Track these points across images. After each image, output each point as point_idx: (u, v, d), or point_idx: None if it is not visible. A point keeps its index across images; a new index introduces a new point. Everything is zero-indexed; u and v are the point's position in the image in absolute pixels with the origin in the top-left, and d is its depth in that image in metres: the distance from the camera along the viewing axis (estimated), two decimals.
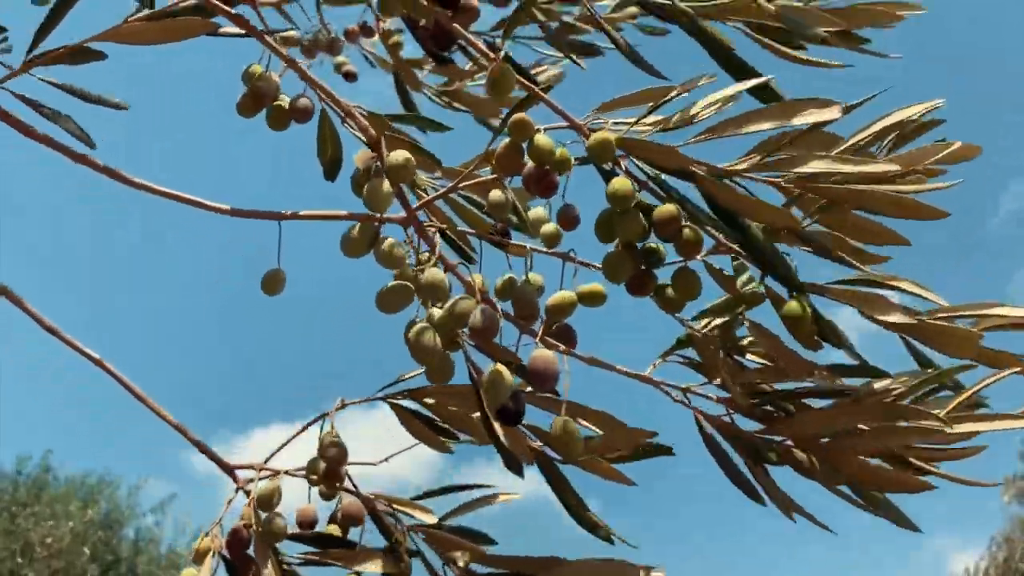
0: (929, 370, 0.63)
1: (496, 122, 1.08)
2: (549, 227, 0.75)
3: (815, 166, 0.53)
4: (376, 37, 1.09)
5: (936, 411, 0.58)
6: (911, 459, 0.59)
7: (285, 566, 0.69)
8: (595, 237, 0.66)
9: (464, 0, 0.74)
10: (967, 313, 0.62)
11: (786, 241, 0.62)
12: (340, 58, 1.21)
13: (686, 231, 0.62)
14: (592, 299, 0.68)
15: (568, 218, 0.72)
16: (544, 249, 0.74)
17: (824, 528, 0.62)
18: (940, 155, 0.54)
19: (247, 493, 0.73)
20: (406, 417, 0.73)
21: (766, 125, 0.56)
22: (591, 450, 0.67)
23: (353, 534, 0.74)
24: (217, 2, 0.68)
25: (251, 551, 0.69)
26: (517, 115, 0.62)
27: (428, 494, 0.78)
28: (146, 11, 0.68)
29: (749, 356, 0.67)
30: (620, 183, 0.61)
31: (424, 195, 0.78)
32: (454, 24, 0.70)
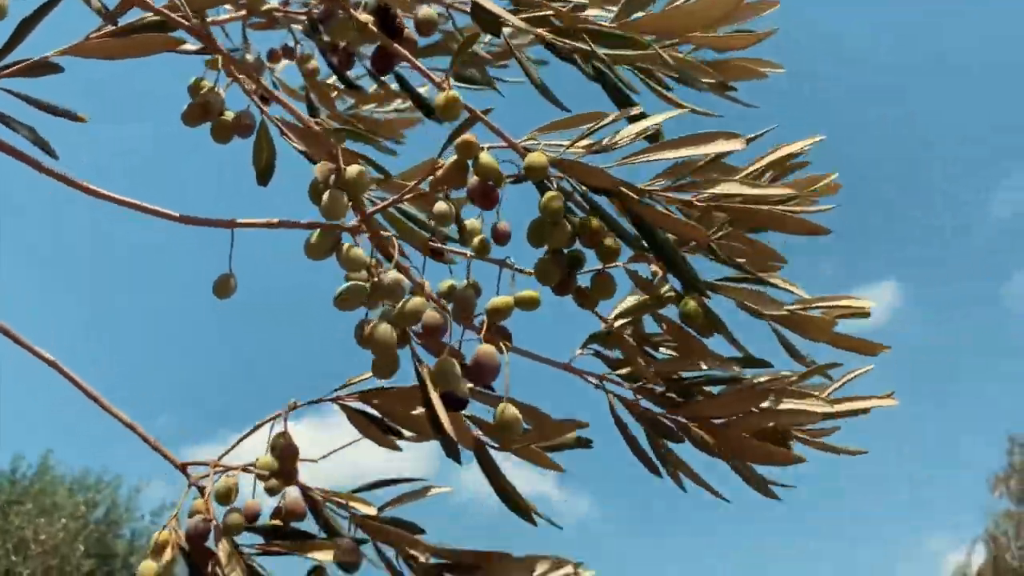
0: (791, 357, 0.76)
1: (390, 143, 1.16)
2: (478, 239, 0.84)
3: (725, 188, 0.64)
4: (289, 61, 1.14)
5: (817, 394, 0.70)
6: (803, 435, 0.72)
7: (243, 556, 0.74)
8: (521, 244, 0.75)
9: (406, 31, 0.81)
10: (823, 304, 0.76)
11: (690, 251, 0.73)
12: (286, 99, 1.25)
13: (607, 241, 0.72)
14: (528, 304, 0.77)
15: (502, 235, 0.80)
16: (481, 256, 0.82)
17: (719, 496, 0.73)
18: (817, 185, 0.67)
19: (200, 489, 0.77)
20: (354, 416, 0.80)
21: (680, 152, 0.67)
22: (524, 440, 0.76)
23: (302, 527, 0.80)
24: (179, 19, 0.73)
25: (210, 543, 0.74)
26: (464, 136, 0.70)
27: (362, 488, 0.84)
28: (109, 27, 0.72)
29: (660, 350, 0.78)
30: (552, 198, 0.71)
31: (363, 205, 0.84)
32: (398, 48, 0.78)
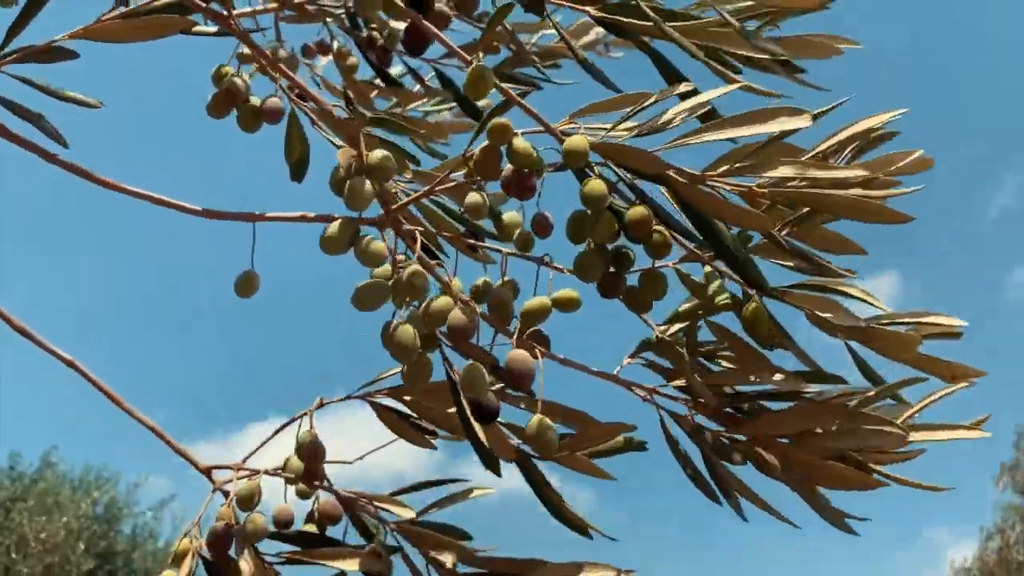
0: (866, 377, 0.67)
1: (438, 145, 1.10)
2: (521, 232, 0.77)
3: (785, 171, 0.56)
4: (330, 57, 1.10)
5: (892, 419, 0.61)
6: (862, 460, 0.62)
7: (267, 565, 0.69)
8: (564, 241, 0.68)
9: (437, 6, 0.75)
10: (907, 320, 0.66)
11: (753, 251, 0.65)
12: (303, 82, 1.21)
13: (656, 234, 0.64)
14: (566, 305, 0.70)
15: (542, 225, 0.73)
16: (518, 253, 0.75)
17: (788, 523, 0.65)
18: (901, 163, 0.57)
19: (225, 494, 0.73)
20: (386, 415, 0.74)
21: (739, 132, 0.58)
22: (567, 447, 0.68)
23: (334, 533, 0.75)
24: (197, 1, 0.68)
25: (232, 551, 0.69)
26: (497, 119, 0.64)
27: (403, 491, 0.78)
28: (121, 8, 0.68)
29: (716, 360, 0.70)
30: (595, 185, 0.63)
31: (395, 197, 0.79)
32: (429, 26, 0.71)
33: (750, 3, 0.65)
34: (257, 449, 0.75)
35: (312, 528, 0.75)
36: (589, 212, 0.64)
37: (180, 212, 0.76)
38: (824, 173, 0.55)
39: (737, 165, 0.59)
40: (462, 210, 0.74)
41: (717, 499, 0.67)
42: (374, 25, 0.83)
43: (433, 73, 0.94)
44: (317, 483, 0.74)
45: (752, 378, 0.65)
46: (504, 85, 1.04)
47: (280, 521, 0.72)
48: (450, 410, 0.74)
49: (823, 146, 0.59)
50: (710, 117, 0.62)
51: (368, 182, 0.65)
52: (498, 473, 0.70)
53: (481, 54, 0.64)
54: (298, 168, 0.85)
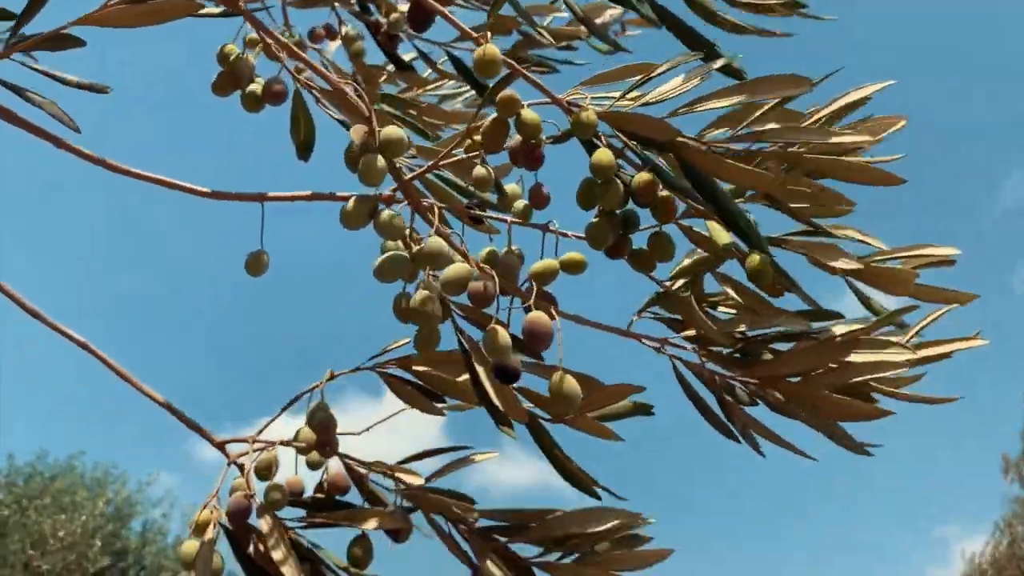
0: (869, 312, 0.71)
1: (444, 131, 1.11)
2: (520, 203, 0.79)
3: (792, 136, 0.59)
4: (338, 42, 1.10)
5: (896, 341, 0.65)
6: (881, 387, 0.67)
7: (286, 530, 0.71)
8: (563, 208, 0.71)
9: None
10: (902, 254, 0.71)
11: (751, 201, 0.68)
12: (314, 61, 1.21)
13: (662, 196, 0.67)
14: (573, 267, 0.73)
15: (540, 196, 0.76)
16: (522, 221, 0.78)
17: (802, 455, 0.69)
18: (894, 128, 0.61)
19: (240, 467, 0.74)
20: (395, 384, 0.76)
21: (740, 99, 0.62)
22: (577, 408, 0.71)
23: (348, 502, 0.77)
24: None
25: (252, 520, 0.71)
26: (504, 92, 0.66)
27: (409, 459, 0.81)
28: None
29: (720, 308, 0.73)
30: (603, 154, 0.66)
31: (400, 172, 0.81)
32: (432, 2, 0.73)
33: None
34: (270, 422, 0.77)
35: (321, 496, 0.77)
36: (598, 181, 0.67)
37: (188, 194, 0.77)
38: (824, 138, 0.59)
39: (739, 130, 0.62)
40: (468, 183, 0.77)
41: (735, 437, 0.70)
42: (382, 9, 0.85)
43: (446, 57, 0.96)
44: (328, 452, 0.76)
45: (759, 321, 0.69)
46: (520, 68, 1.07)
47: (293, 491, 0.74)
48: (459, 379, 0.77)
49: (821, 113, 0.63)
50: (734, 76, 0.65)
51: (381, 158, 0.67)
52: (511, 431, 0.73)
53: (489, 33, 0.66)
54: (304, 148, 0.86)
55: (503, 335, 0.65)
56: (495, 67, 0.66)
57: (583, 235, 0.71)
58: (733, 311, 0.72)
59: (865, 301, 0.70)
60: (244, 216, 0.79)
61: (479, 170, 0.72)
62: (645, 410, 0.75)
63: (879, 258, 0.68)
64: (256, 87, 0.79)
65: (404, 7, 0.70)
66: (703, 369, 0.71)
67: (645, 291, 0.78)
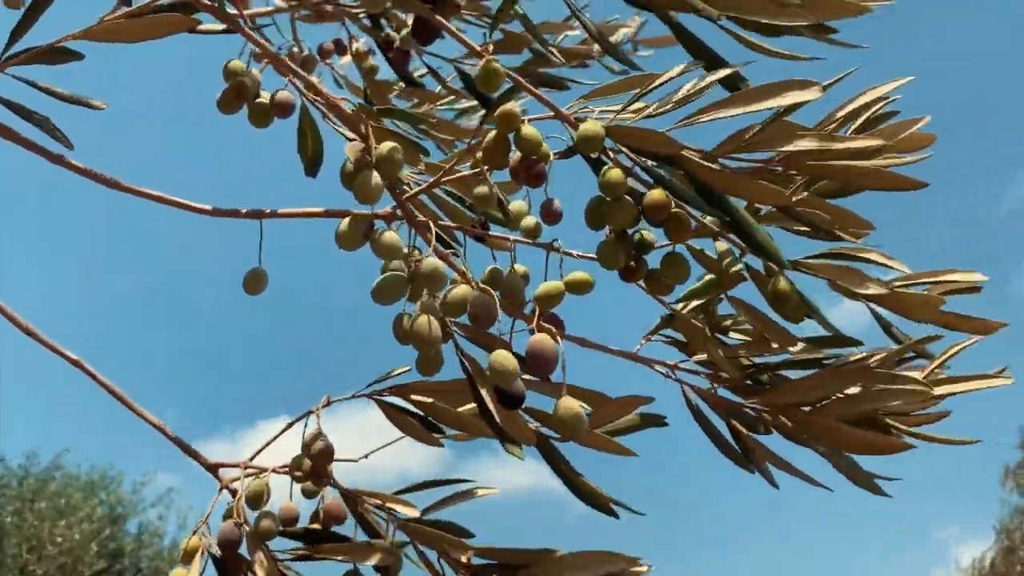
0: (891, 339, 0.67)
1: (458, 145, 1.10)
2: (530, 220, 0.77)
3: (802, 144, 0.56)
4: (348, 58, 1.09)
5: (914, 376, 0.61)
6: (887, 423, 0.62)
7: (277, 562, 0.69)
8: (572, 226, 0.68)
9: None
10: (927, 280, 0.66)
11: (769, 220, 0.65)
12: (312, 78, 1.21)
13: (675, 215, 0.64)
14: (579, 287, 0.70)
15: (551, 212, 0.73)
16: (527, 240, 0.75)
17: (818, 484, 0.65)
18: (911, 130, 0.57)
19: (232, 492, 0.72)
20: (393, 413, 0.73)
21: (748, 108, 0.58)
22: (584, 431, 0.68)
23: (341, 530, 0.74)
24: None
25: (242, 549, 0.69)
26: (504, 107, 0.64)
27: (407, 489, 0.78)
28: (124, 8, 0.67)
29: (731, 334, 0.70)
30: (612, 172, 0.63)
31: (407, 189, 0.79)
32: (437, 19, 0.71)
33: None
34: (264, 447, 0.75)
35: (315, 527, 0.75)
36: (608, 199, 0.64)
37: (188, 211, 0.76)
38: (833, 145, 0.55)
39: (749, 140, 0.59)
40: (470, 200, 0.74)
41: (749, 467, 0.67)
42: (394, 24, 0.83)
43: (455, 73, 0.94)
44: (324, 481, 0.73)
45: (772, 348, 0.65)
46: (529, 84, 1.05)
47: (285, 519, 0.72)
48: (459, 409, 0.74)
49: (833, 117, 0.59)
50: (736, 88, 0.62)
51: (377, 175, 0.65)
52: (520, 453, 0.70)
53: (491, 47, 0.64)
54: (312, 164, 0.84)
55: (508, 360, 0.62)
56: (496, 80, 0.64)
57: (590, 254, 0.69)
58: (746, 337, 0.68)
59: (887, 328, 0.66)
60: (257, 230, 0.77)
61: (480, 187, 0.70)
62: (657, 421, 0.72)
63: (903, 283, 0.64)
64: (262, 100, 0.77)
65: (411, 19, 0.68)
66: (714, 396, 0.67)
67: (660, 309, 0.75)
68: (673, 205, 0.63)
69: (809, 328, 0.67)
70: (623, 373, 0.75)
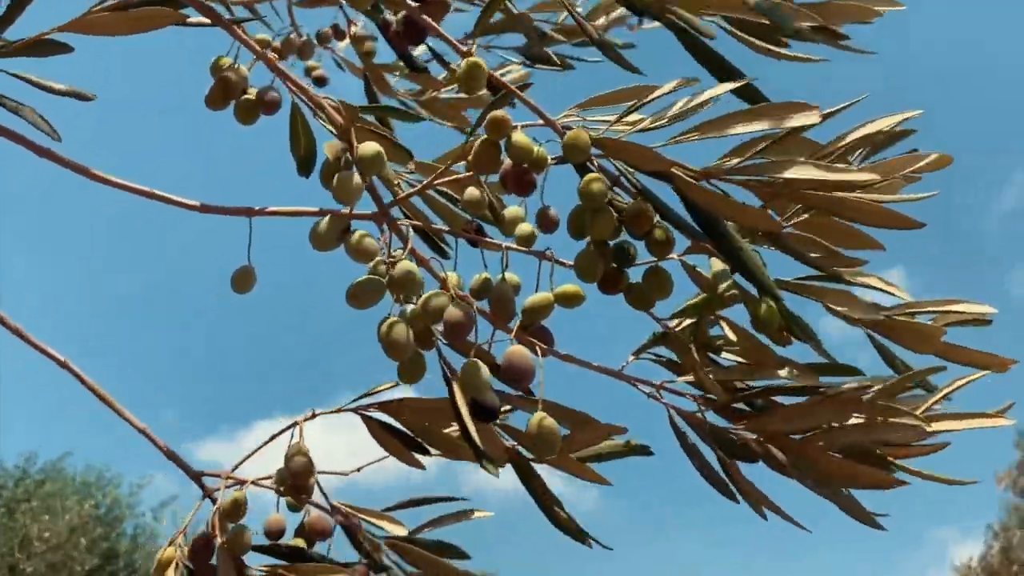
0: (891, 368, 0.64)
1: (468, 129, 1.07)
2: (524, 227, 0.74)
3: (798, 172, 0.53)
4: (347, 41, 1.07)
5: (910, 410, 0.58)
6: (882, 455, 0.60)
7: None
8: (569, 236, 0.66)
9: None
10: (930, 309, 0.63)
11: (759, 243, 0.62)
12: (311, 62, 1.19)
13: (657, 231, 0.62)
14: (569, 300, 0.68)
15: (547, 220, 0.71)
16: (518, 247, 0.73)
17: (799, 527, 0.63)
18: (916, 166, 0.54)
19: (214, 501, 0.71)
20: (377, 431, 0.72)
21: (745, 127, 0.56)
22: (560, 449, 0.66)
23: (322, 547, 0.73)
24: None
25: (215, 562, 0.68)
26: (494, 112, 0.61)
27: (398, 506, 0.77)
28: (111, 1, 0.66)
29: (723, 354, 0.67)
30: (592, 180, 0.61)
31: (397, 189, 0.77)
32: (424, 18, 0.69)
33: None
34: (247, 457, 0.74)
35: (301, 542, 0.74)
36: (588, 208, 0.62)
37: (176, 207, 0.75)
38: (837, 176, 0.52)
39: (744, 163, 0.56)
40: (460, 204, 0.72)
41: (734, 498, 0.65)
42: (392, 9, 0.81)
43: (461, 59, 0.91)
44: (304, 497, 0.72)
45: (764, 371, 0.63)
46: (525, 65, 1.03)
47: (270, 531, 0.71)
48: (446, 429, 0.73)
49: (835, 145, 0.56)
50: (753, 100, 0.59)
51: (357, 175, 0.63)
52: (496, 474, 0.68)
53: (475, 46, 0.62)
54: (305, 163, 0.83)
55: (477, 368, 0.60)
56: (480, 81, 0.62)
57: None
58: (738, 359, 0.66)
59: (889, 358, 0.63)
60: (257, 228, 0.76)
61: (471, 191, 0.68)
62: (642, 451, 0.70)
63: (904, 312, 0.61)
64: (249, 97, 0.76)
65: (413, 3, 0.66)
66: (700, 420, 0.65)
67: (655, 324, 0.73)
68: (656, 219, 0.60)
69: (806, 351, 0.65)
70: (614, 389, 0.73)
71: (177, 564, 0.67)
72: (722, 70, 0.65)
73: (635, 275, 0.65)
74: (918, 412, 0.59)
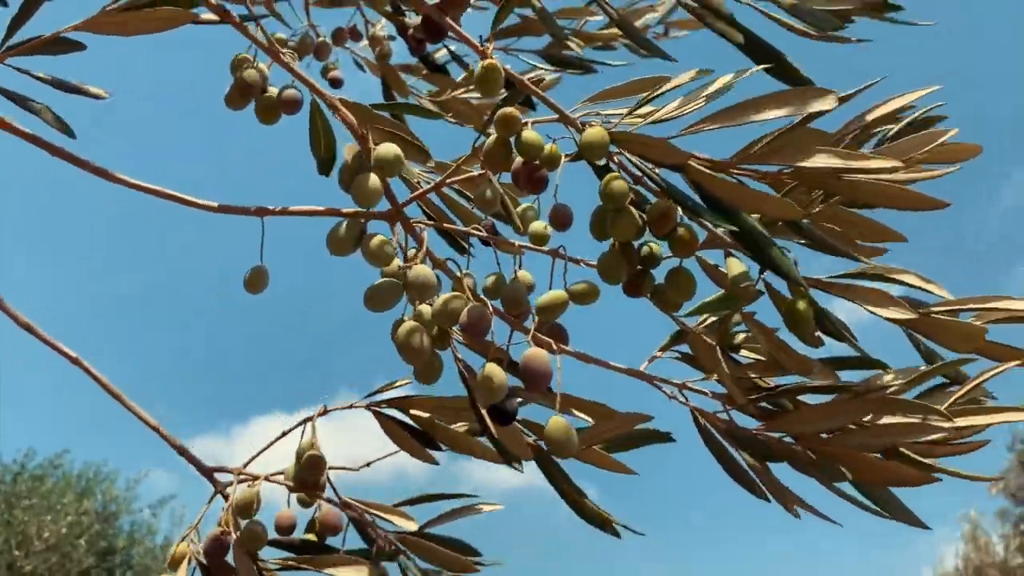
0: (929, 365, 0.62)
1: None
2: (538, 225, 0.73)
3: (817, 160, 0.52)
4: (365, 43, 1.07)
5: (938, 405, 0.56)
6: (910, 453, 0.58)
7: (265, 572, 0.68)
8: (585, 232, 0.65)
9: None
10: (970, 307, 0.61)
11: (783, 235, 0.60)
12: (327, 62, 1.19)
13: (680, 230, 0.60)
14: (584, 297, 0.66)
15: (561, 218, 0.70)
16: (532, 246, 0.72)
17: (832, 522, 0.61)
18: (936, 145, 0.53)
19: (226, 497, 0.71)
20: (390, 426, 0.71)
21: (761, 115, 0.54)
22: (583, 440, 0.65)
23: (334, 542, 0.73)
24: None
25: (229, 558, 0.68)
26: (503, 109, 0.61)
27: (409, 501, 0.76)
28: (124, 1, 0.66)
29: (744, 352, 0.66)
30: (613, 181, 0.60)
31: (417, 187, 0.76)
32: (444, 17, 0.69)
33: None
34: (260, 452, 0.73)
35: (312, 537, 0.73)
36: (610, 209, 0.61)
37: (194, 208, 0.75)
38: (857, 163, 0.51)
39: (761, 151, 0.55)
40: (472, 203, 0.71)
41: (765, 497, 0.63)
42: (412, 8, 0.80)
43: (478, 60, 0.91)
44: (316, 493, 0.72)
45: (785, 372, 0.61)
46: (550, 69, 1.02)
47: (281, 527, 0.71)
48: (457, 426, 0.72)
49: (853, 126, 0.55)
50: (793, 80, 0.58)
51: (375, 177, 0.63)
52: (520, 469, 0.67)
53: (491, 47, 0.61)
54: (326, 163, 0.82)
55: (497, 375, 0.59)
56: (495, 83, 0.61)
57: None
58: (760, 356, 0.64)
59: (927, 355, 0.60)
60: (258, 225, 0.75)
61: (483, 190, 0.67)
62: (662, 437, 0.68)
63: (943, 309, 0.59)
64: (269, 96, 0.76)
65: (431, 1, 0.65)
66: (724, 422, 0.63)
67: (673, 325, 0.71)
68: (679, 217, 0.59)
69: (829, 343, 0.63)
70: (634, 386, 0.72)
71: (190, 558, 0.67)
72: (762, 52, 0.64)
73: (657, 274, 0.63)
74: (944, 406, 0.57)
